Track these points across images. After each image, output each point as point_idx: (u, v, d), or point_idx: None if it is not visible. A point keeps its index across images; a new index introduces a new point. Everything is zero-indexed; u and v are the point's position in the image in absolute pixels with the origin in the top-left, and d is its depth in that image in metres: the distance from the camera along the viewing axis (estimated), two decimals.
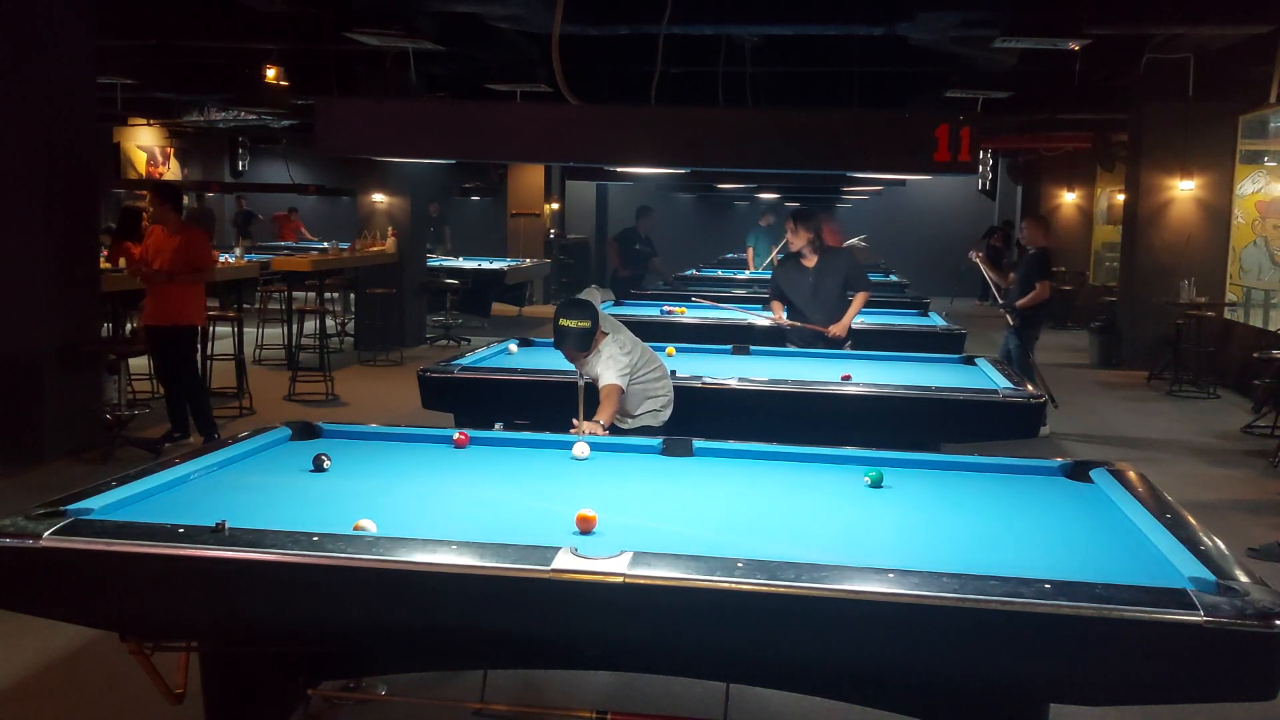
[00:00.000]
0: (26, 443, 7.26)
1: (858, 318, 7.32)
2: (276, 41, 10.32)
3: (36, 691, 4.08)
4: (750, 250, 15.27)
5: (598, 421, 4.44)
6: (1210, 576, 2.53)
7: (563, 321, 4.63)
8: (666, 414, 5.04)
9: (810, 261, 7.22)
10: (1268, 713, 3.83)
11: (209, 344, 9.01)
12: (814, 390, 5.30)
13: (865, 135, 4.26)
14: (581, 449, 3.98)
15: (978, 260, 9.72)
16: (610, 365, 4.69)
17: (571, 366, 4.87)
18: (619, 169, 11.01)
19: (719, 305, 9.20)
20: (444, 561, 2.59)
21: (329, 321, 11.36)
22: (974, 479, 3.76)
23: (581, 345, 4.66)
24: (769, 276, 8.22)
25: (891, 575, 2.50)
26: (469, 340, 13.25)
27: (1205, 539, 2.84)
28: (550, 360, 6.02)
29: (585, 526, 2.97)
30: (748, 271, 14.49)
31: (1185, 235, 12.38)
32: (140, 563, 2.69)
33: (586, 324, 4.63)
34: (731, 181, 17.17)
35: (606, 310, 5.08)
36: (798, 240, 7.21)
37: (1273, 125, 12.02)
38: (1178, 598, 2.40)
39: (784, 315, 7.31)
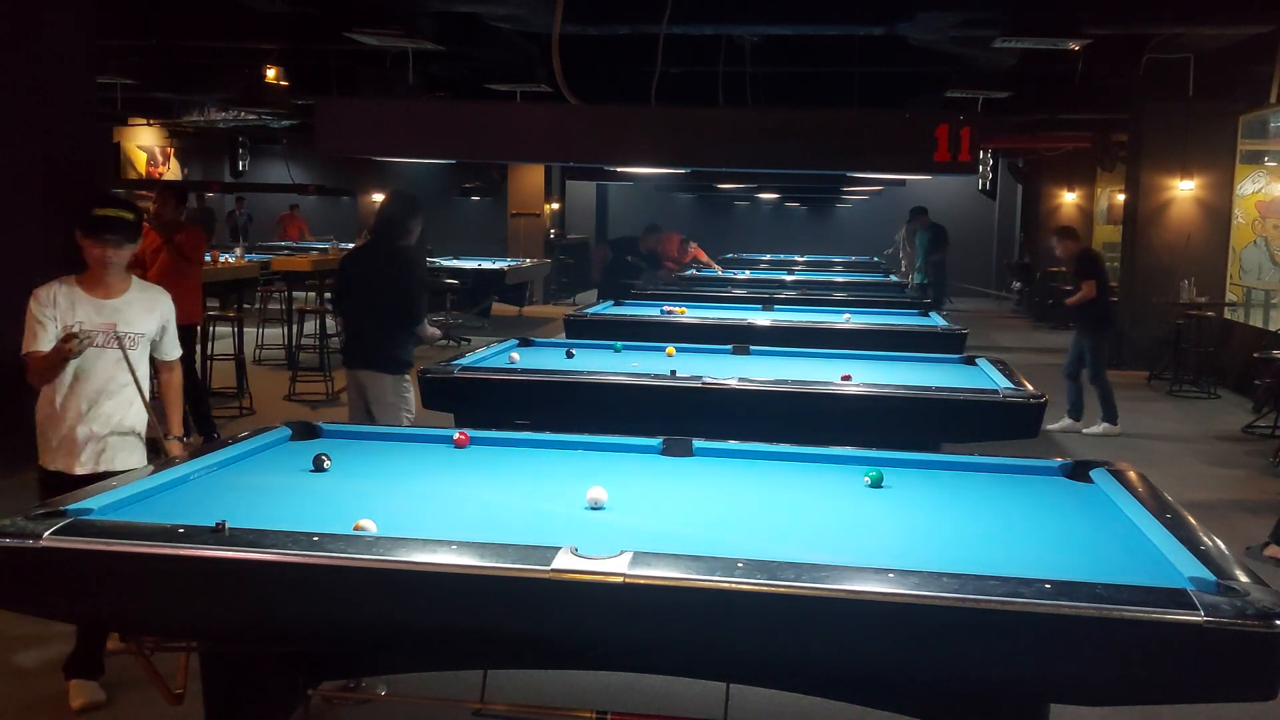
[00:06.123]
0: (26, 442, 7.24)
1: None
2: (276, 41, 10.33)
3: (36, 691, 4.08)
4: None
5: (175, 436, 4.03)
6: (1210, 576, 2.53)
7: (104, 211, 3.90)
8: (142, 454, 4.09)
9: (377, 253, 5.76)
10: (1268, 713, 3.83)
11: (209, 344, 9.00)
12: (814, 390, 5.29)
13: (865, 135, 4.27)
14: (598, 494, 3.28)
15: None
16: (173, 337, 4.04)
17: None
18: (619, 169, 11.02)
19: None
20: (444, 561, 2.59)
21: (329, 321, 11.33)
22: (974, 479, 3.75)
23: (134, 236, 3.96)
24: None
25: (891, 575, 2.50)
26: (469, 340, 13.24)
27: (1205, 539, 2.83)
28: (551, 360, 6.03)
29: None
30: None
31: (1185, 235, 12.38)
32: (140, 563, 2.68)
33: (130, 215, 3.93)
34: (731, 181, 17.20)
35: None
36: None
37: (1273, 125, 12.03)
38: (1178, 598, 2.40)
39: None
